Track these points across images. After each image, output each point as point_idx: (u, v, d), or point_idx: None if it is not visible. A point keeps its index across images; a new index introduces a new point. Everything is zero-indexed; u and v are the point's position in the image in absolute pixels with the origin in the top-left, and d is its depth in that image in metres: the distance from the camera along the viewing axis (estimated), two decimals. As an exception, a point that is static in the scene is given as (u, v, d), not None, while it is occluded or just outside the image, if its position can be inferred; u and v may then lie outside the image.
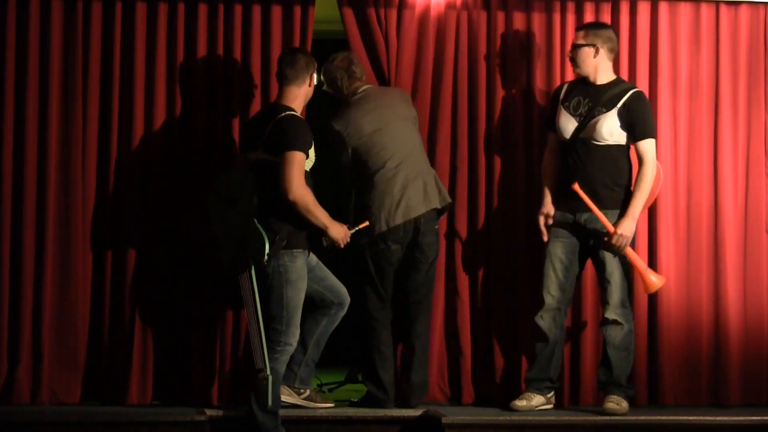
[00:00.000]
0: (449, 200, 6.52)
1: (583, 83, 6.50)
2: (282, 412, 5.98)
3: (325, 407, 6.35)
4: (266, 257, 5.85)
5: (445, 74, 6.78)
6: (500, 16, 6.84)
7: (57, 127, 6.52)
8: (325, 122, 6.46)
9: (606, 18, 6.86)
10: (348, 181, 6.47)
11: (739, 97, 6.95)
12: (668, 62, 6.90)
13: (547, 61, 6.86)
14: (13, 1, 6.50)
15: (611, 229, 6.30)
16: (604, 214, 6.33)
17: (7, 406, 6.36)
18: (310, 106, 6.32)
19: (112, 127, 6.57)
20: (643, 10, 6.90)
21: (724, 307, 6.88)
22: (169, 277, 6.56)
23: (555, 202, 6.48)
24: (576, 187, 6.30)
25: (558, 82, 6.72)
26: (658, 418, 6.34)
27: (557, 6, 6.87)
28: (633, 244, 6.42)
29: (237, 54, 6.63)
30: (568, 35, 6.82)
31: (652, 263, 6.80)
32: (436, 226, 6.48)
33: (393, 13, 6.75)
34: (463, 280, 6.77)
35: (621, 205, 6.37)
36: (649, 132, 6.40)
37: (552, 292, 6.45)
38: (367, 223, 6.30)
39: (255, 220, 5.88)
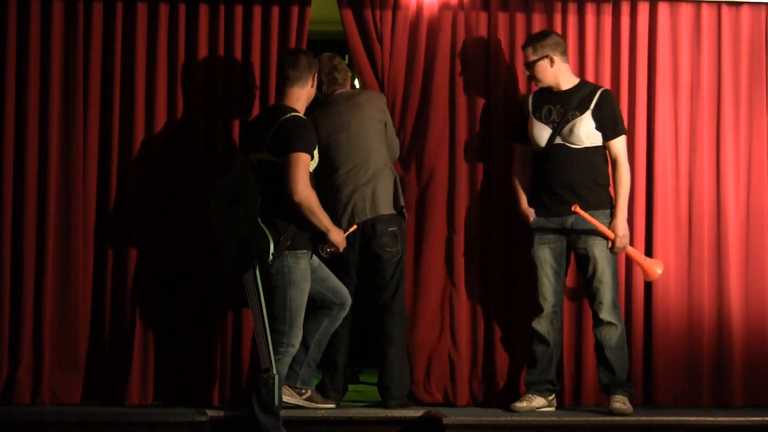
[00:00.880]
0: (401, 205, 6.50)
1: (548, 92, 6.53)
2: (283, 412, 5.98)
3: (326, 408, 6.35)
4: (271, 257, 5.84)
5: (440, 75, 6.77)
6: (501, 17, 6.83)
7: (58, 128, 6.51)
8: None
9: (607, 18, 6.86)
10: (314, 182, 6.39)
11: (740, 97, 6.95)
12: (669, 63, 6.90)
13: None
14: (14, 2, 6.50)
15: (611, 235, 6.37)
16: (591, 215, 6.37)
17: (8, 406, 6.36)
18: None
19: (113, 128, 6.57)
20: (644, 11, 6.90)
21: (726, 307, 6.88)
22: (170, 277, 6.55)
23: (536, 208, 6.53)
24: (577, 208, 6.34)
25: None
26: (660, 418, 6.34)
27: (558, 7, 6.87)
28: (631, 242, 6.50)
29: (237, 54, 6.63)
30: (569, 36, 6.81)
31: (654, 264, 6.82)
32: (392, 229, 6.44)
33: (388, 14, 6.75)
34: (461, 281, 6.77)
35: (604, 204, 6.44)
36: (621, 129, 6.49)
37: (547, 297, 6.50)
38: (355, 227, 6.30)
39: (259, 221, 5.87)
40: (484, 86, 6.83)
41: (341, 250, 6.12)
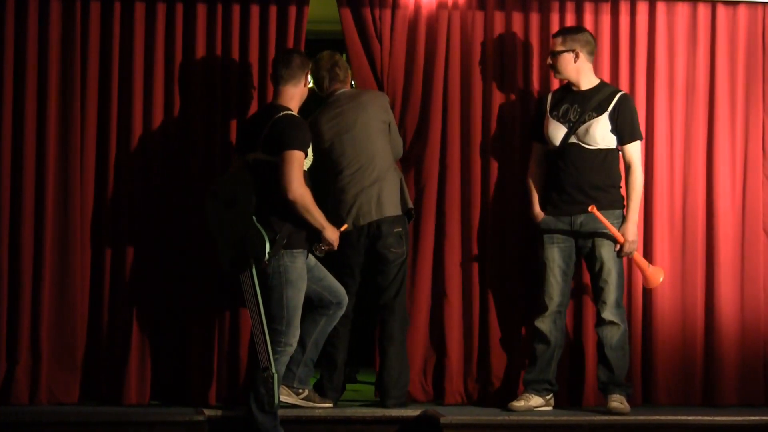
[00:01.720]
0: (409, 206, 6.53)
1: (567, 91, 6.54)
2: (280, 412, 5.98)
3: (323, 407, 6.35)
4: (267, 257, 5.85)
5: (437, 74, 6.77)
6: (498, 17, 6.83)
7: (55, 127, 6.52)
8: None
9: (605, 18, 6.86)
10: (309, 181, 6.39)
11: (736, 97, 6.95)
12: (665, 62, 6.90)
13: (545, 61, 6.85)
14: (12, 1, 6.50)
15: (621, 239, 6.38)
16: (602, 214, 6.37)
17: (6, 406, 6.36)
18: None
19: (111, 127, 6.57)
20: (642, 10, 6.90)
21: (719, 307, 6.88)
22: (167, 277, 6.56)
23: (546, 207, 6.53)
24: (594, 209, 6.35)
25: (556, 83, 6.72)
26: (656, 418, 6.34)
27: (556, 6, 6.86)
28: (634, 245, 6.53)
29: (235, 54, 6.63)
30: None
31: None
32: (398, 230, 6.44)
33: (387, 13, 6.75)
34: (458, 281, 6.77)
35: (614, 204, 6.45)
36: (637, 135, 6.50)
37: (554, 297, 6.50)
38: (346, 226, 6.31)
39: (255, 220, 5.88)
40: (482, 86, 6.82)
41: (336, 248, 6.12)
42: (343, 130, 6.44)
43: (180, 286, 6.55)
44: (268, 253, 5.84)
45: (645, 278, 6.58)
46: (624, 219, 6.45)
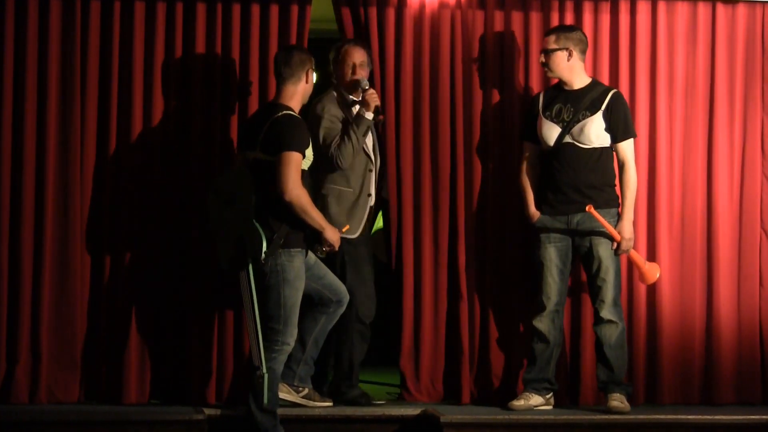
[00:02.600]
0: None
1: (559, 90, 6.55)
2: (280, 410, 5.98)
3: (323, 406, 6.35)
4: (264, 256, 5.84)
5: (440, 73, 6.77)
6: (498, 16, 6.83)
7: (55, 127, 6.52)
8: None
9: (605, 17, 6.86)
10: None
11: (735, 96, 6.95)
12: (665, 61, 6.90)
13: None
14: (12, 1, 6.50)
15: (618, 237, 6.39)
16: (598, 213, 6.38)
17: (6, 405, 6.37)
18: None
19: (111, 127, 6.57)
20: (642, 10, 6.90)
21: (717, 306, 6.88)
22: (167, 276, 6.56)
23: (542, 207, 6.54)
24: (591, 209, 6.36)
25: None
26: (656, 417, 6.34)
27: (555, 6, 6.86)
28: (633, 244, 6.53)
29: (235, 53, 6.63)
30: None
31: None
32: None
33: (389, 12, 6.74)
34: (458, 281, 6.77)
35: (610, 202, 6.46)
36: (630, 132, 6.51)
37: (551, 296, 6.50)
38: (347, 228, 6.32)
39: (253, 219, 5.87)
40: (481, 85, 6.82)
41: (336, 249, 6.12)
42: None
43: (180, 286, 6.55)
44: (265, 252, 5.84)
45: (641, 275, 6.58)
46: (619, 217, 6.45)
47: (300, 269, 5.96)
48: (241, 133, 6.41)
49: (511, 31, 6.83)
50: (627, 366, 6.57)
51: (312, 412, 6.27)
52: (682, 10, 6.92)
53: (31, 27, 6.52)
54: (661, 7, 6.90)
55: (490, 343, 6.77)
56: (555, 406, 6.59)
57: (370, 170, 6.51)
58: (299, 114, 6.07)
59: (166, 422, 6.10)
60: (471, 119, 6.80)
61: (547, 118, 6.51)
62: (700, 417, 6.36)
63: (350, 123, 6.36)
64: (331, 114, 6.45)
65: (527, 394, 6.51)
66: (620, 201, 6.50)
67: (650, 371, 6.84)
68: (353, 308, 6.37)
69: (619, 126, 6.46)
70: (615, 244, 6.43)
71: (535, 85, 6.82)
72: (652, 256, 6.81)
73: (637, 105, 6.86)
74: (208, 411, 6.22)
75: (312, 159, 6.09)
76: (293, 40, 6.62)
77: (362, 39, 6.67)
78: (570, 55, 6.47)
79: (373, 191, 6.54)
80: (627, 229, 6.42)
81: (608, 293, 6.44)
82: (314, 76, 6.15)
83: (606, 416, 6.34)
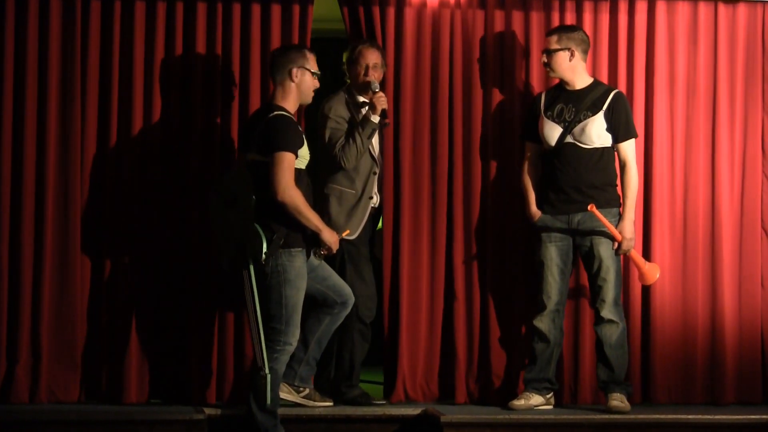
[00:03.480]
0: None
1: (561, 90, 6.55)
2: (281, 410, 5.98)
3: (323, 406, 6.35)
4: (264, 257, 5.84)
5: (441, 73, 6.77)
6: (498, 15, 6.84)
7: (56, 127, 6.52)
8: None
9: (604, 17, 6.86)
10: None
11: (736, 96, 6.95)
12: (666, 61, 6.90)
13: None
14: (12, 1, 6.50)
15: (619, 237, 6.40)
16: (600, 212, 6.38)
17: (6, 405, 6.37)
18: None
19: (111, 127, 6.57)
20: (641, 9, 6.90)
21: (719, 305, 6.88)
22: (167, 276, 6.56)
23: (543, 206, 6.54)
24: (593, 208, 6.36)
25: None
26: (656, 416, 6.34)
27: (556, 5, 6.87)
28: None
29: (236, 54, 6.63)
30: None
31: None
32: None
33: (390, 12, 6.74)
34: (457, 280, 6.77)
35: (611, 202, 6.47)
36: (632, 132, 6.52)
37: (552, 296, 6.50)
38: (348, 232, 6.32)
39: (254, 220, 5.87)
40: (482, 85, 6.82)
41: (334, 251, 6.11)
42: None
43: (180, 285, 6.55)
44: (266, 252, 5.83)
45: (642, 275, 6.58)
46: (620, 217, 6.46)
47: (301, 269, 5.95)
48: (241, 134, 6.41)
49: (511, 30, 6.84)
50: (627, 366, 6.56)
51: (312, 411, 6.27)
52: (683, 9, 6.93)
53: (31, 27, 6.52)
54: (661, 7, 6.90)
55: (491, 342, 6.76)
56: (555, 405, 6.60)
57: (375, 173, 6.52)
58: (303, 113, 6.06)
59: (166, 422, 6.09)
60: (471, 119, 6.80)
61: (548, 118, 6.52)
62: (700, 417, 6.36)
63: (356, 125, 6.36)
64: (338, 114, 6.45)
65: (527, 393, 6.52)
66: (621, 201, 6.50)
67: (651, 371, 6.83)
68: (354, 308, 6.37)
69: (621, 126, 6.47)
70: (616, 244, 6.43)
71: (536, 84, 6.82)
72: (654, 256, 6.80)
73: (635, 105, 6.84)
74: (208, 411, 6.22)
75: (308, 158, 6.05)
76: (295, 40, 6.61)
77: (373, 39, 6.67)
78: (572, 55, 6.47)
79: (375, 194, 6.54)
80: (628, 229, 6.43)
81: (609, 293, 6.45)
82: (310, 74, 6.05)
83: (606, 416, 6.34)
